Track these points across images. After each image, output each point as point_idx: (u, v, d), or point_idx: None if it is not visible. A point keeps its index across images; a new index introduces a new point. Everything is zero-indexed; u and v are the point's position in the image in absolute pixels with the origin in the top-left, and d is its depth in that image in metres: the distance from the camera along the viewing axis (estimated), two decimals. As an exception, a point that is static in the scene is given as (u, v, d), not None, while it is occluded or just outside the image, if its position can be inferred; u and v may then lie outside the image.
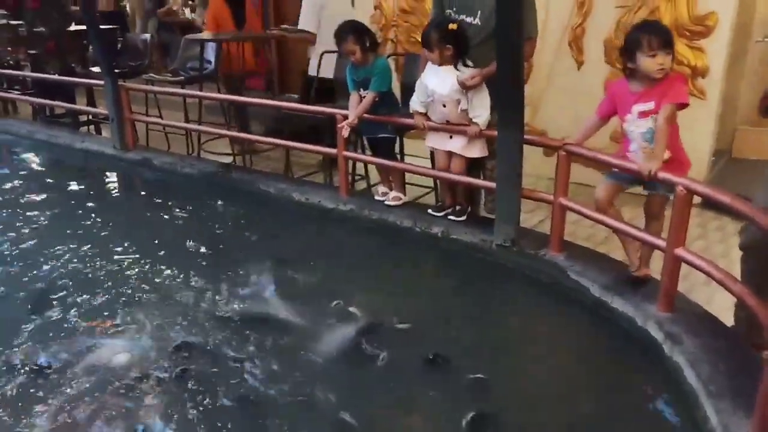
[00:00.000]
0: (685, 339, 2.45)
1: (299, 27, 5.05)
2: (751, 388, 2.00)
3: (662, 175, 2.55)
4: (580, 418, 2.35)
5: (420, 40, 3.50)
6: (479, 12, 3.44)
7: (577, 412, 2.39)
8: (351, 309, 3.01)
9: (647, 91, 2.63)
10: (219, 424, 2.26)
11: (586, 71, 4.84)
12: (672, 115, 2.57)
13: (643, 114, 2.63)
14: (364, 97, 3.73)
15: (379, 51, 3.88)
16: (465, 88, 3.36)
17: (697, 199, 2.56)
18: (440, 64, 3.38)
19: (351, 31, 3.65)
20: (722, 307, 2.77)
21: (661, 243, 2.61)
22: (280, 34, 5.42)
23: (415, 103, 3.58)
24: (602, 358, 2.77)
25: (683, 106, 2.60)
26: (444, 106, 3.46)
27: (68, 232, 3.93)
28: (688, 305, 2.71)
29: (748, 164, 5.05)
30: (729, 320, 2.70)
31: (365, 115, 3.74)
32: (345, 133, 3.81)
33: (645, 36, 2.55)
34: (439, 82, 3.42)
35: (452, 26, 3.32)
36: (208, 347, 2.72)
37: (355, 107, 3.75)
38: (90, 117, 6.58)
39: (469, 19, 3.47)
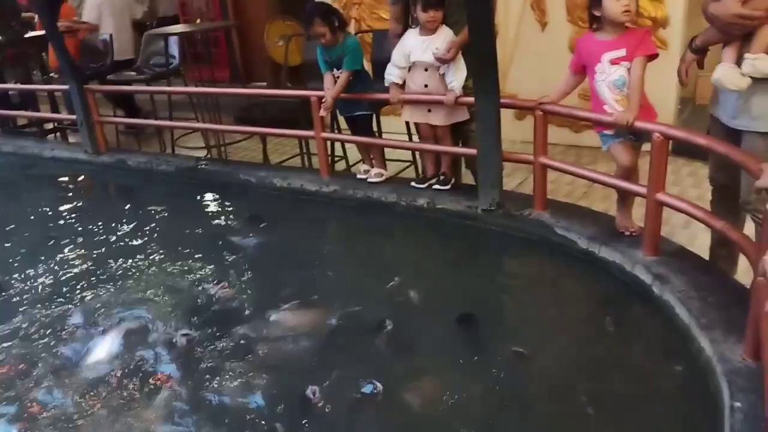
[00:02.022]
0: (672, 278, 2.57)
1: (83, 20, 6.23)
2: (740, 317, 2.13)
3: (639, 124, 2.64)
4: (577, 360, 2.47)
5: (383, 16, 3.46)
6: None
7: (575, 355, 2.50)
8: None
9: (617, 39, 2.70)
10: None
11: (550, 32, 4.90)
12: (644, 67, 2.66)
13: (615, 61, 2.70)
14: (338, 77, 3.76)
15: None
16: (444, 62, 3.38)
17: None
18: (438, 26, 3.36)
19: (317, 13, 3.65)
20: (704, 247, 2.89)
21: (642, 190, 2.71)
22: (67, 26, 6.16)
23: (392, 75, 3.56)
24: (596, 304, 2.90)
25: (654, 56, 2.69)
26: (426, 70, 3.47)
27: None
28: (672, 247, 2.83)
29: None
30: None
31: (341, 95, 3.77)
32: (323, 113, 3.84)
33: None
34: (423, 48, 3.39)
35: None
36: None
37: (330, 88, 3.77)
38: (55, 124, 6.47)
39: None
